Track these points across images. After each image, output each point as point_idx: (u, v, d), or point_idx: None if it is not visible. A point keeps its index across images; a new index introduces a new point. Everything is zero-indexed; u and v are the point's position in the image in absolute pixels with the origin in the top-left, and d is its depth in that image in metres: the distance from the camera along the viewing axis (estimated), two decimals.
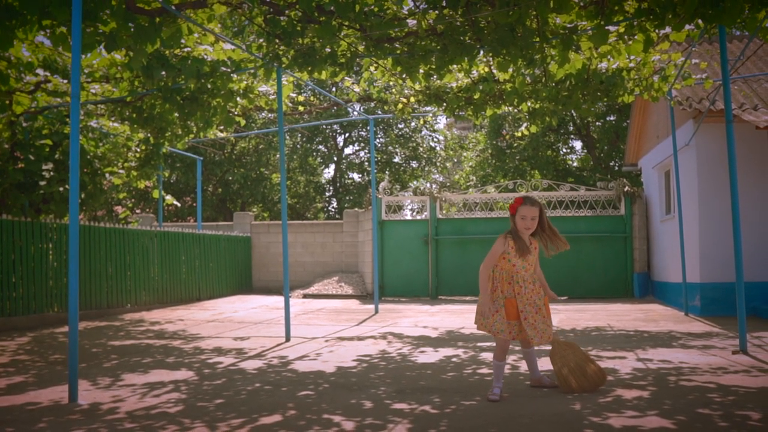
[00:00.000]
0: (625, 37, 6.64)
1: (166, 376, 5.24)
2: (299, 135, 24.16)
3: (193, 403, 4.25)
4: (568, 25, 6.16)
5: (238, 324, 9.29)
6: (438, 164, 26.11)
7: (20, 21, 5.47)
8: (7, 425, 3.74)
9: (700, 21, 5.48)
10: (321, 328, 8.56)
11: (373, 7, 5.71)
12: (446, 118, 24.95)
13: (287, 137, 23.90)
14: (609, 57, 7.31)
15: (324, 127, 23.53)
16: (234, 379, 5.12)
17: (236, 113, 9.66)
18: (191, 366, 5.75)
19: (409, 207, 16.97)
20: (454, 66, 7.08)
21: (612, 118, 20.14)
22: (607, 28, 5.82)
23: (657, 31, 6.09)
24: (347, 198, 24.79)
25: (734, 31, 13.72)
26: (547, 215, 4.64)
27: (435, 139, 26.40)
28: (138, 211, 21.26)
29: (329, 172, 26.29)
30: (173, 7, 5.72)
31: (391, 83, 8.58)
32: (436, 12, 5.81)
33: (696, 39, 7.02)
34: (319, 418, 3.84)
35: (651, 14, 5.54)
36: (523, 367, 5.38)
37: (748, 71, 10.50)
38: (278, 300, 13.32)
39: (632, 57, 7.42)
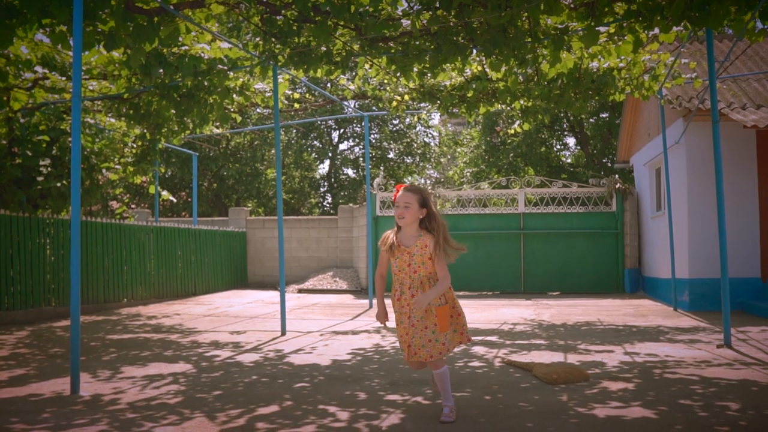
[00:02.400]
0: (615, 37, 6.78)
1: (164, 369, 5.36)
2: (294, 131, 24.24)
3: (192, 395, 4.38)
4: (559, 26, 6.28)
5: (234, 318, 9.41)
6: (432, 160, 26.25)
7: (20, 20, 5.56)
8: (11, 415, 3.86)
9: (687, 23, 5.61)
10: (316, 323, 8.69)
11: (368, 7, 5.82)
12: (440, 115, 25.13)
13: (282, 133, 23.98)
14: (600, 57, 7.46)
15: (319, 123, 23.62)
16: (231, 371, 5.24)
17: (232, 110, 9.76)
18: (189, 359, 5.86)
19: None
20: (448, 65, 7.20)
21: (605, 115, 20.31)
22: (597, 29, 5.95)
23: (646, 32, 6.22)
24: (342, 193, 24.91)
25: (726, 29, 13.87)
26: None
27: (430, 135, 26.54)
28: (133, 206, 21.32)
29: (324, 167, 26.40)
30: (171, 7, 5.81)
31: (385, 81, 8.69)
32: (430, 13, 5.92)
33: (684, 40, 7.16)
34: (314, 408, 3.97)
35: (640, 16, 5.68)
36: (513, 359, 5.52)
37: (737, 70, 10.65)
38: (273, 295, 13.45)
39: (622, 57, 7.55)
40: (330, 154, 25.59)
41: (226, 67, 7.60)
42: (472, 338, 6.96)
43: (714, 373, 4.89)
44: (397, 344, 6.64)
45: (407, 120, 24.65)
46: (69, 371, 5.02)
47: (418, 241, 3.60)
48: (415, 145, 25.23)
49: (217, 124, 10.86)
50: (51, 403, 4.16)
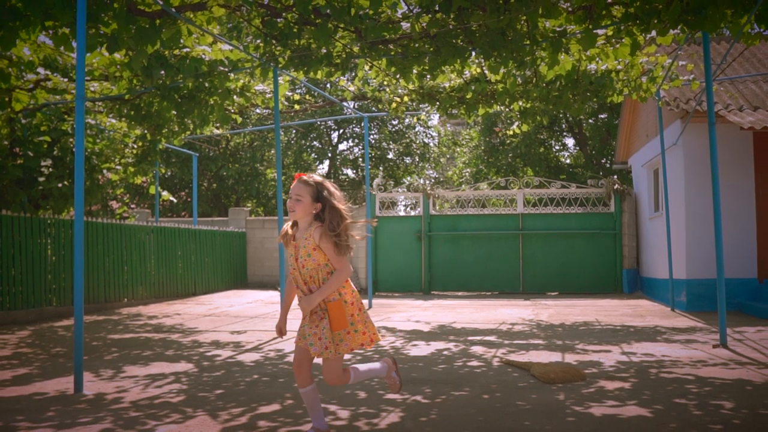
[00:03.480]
0: (613, 40, 6.84)
1: (166, 368, 5.41)
2: (293, 131, 24.30)
3: (194, 393, 4.43)
4: (558, 29, 6.34)
5: (234, 318, 9.46)
6: (431, 160, 26.32)
7: (24, 22, 5.62)
8: (17, 414, 3.91)
9: (684, 26, 5.67)
10: None
11: (368, 10, 5.88)
12: (439, 116, 25.23)
13: (282, 133, 24.05)
14: (598, 59, 7.52)
15: (318, 123, 23.69)
16: (232, 370, 5.30)
17: (233, 111, 9.81)
18: (190, 358, 5.92)
19: (403, 203, 17.20)
20: (447, 67, 7.26)
21: (604, 115, 20.38)
22: (595, 31, 6.02)
23: (643, 34, 6.29)
24: (341, 194, 24.95)
25: (724, 31, 13.93)
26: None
27: (429, 135, 26.61)
28: (133, 206, 21.37)
29: (323, 167, 26.45)
30: (173, 10, 5.87)
31: (385, 83, 8.75)
32: (429, 16, 5.98)
33: (682, 42, 7.22)
34: None
35: (637, 19, 5.74)
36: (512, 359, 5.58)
37: (734, 72, 10.72)
38: (273, 295, 13.50)
39: (620, 59, 7.61)
40: (329, 155, 25.65)
41: (226, 69, 7.66)
42: (471, 339, 7.02)
43: (709, 373, 4.95)
44: (397, 344, 6.69)
45: (406, 120, 24.72)
46: (72, 370, 5.08)
47: (305, 232, 3.29)
48: (415, 145, 25.30)
49: (218, 124, 10.90)
50: (55, 402, 4.22)
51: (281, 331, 3.33)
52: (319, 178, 3.34)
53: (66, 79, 8.42)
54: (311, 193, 3.28)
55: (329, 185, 3.34)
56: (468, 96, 8.66)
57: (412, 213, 15.08)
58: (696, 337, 6.98)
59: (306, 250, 3.24)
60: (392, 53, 6.75)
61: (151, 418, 3.77)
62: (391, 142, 25.09)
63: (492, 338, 7.04)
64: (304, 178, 3.32)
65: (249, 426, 3.61)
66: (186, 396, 4.36)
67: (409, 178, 25.60)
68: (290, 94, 10.25)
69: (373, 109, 15.12)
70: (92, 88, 8.71)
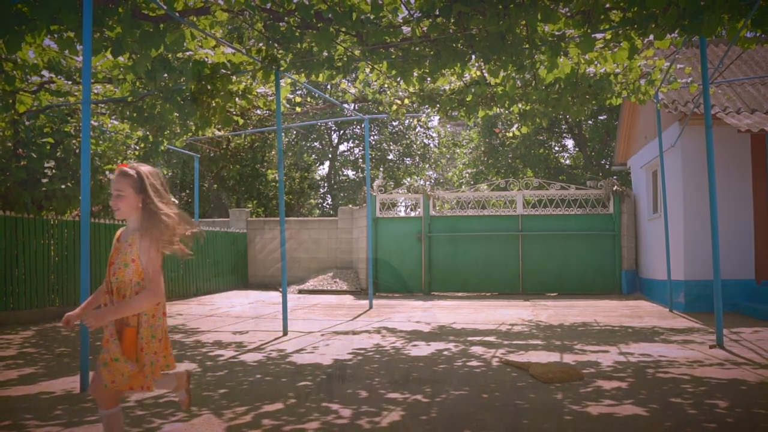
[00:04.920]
0: (611, 44, 6.91)
1: None
2: (294, 132, 24.38)
3: (198, 393, 4.50)
4: (557, 33, 6.42)
5: (235, 318, 9.53)
6: (431, 161, 26.42)
7: (29, 26, 5.69)
8: (25, 412, 3.99)
9: (681, 30, 5.74)
10: (317, 323, 8.82)
11: (369, 15, 5.95)
12: (439, 118, 25.29)
13: (282, 134, 24.13)
14: (596, 62, 7.59)
15: (319, 124, 23.78)
16: (235, 370, 5.37)
17: (234, 113, 9.89)
18: (193, 358, 5.99)
19: (403, 204, 17.27)
20: (447, 70, 7.33)
21: (603, 117, 20.46)
22: (593, 36, 6.09)
23: (641, 38, 6.36)
24: (342, 194, 25.06)
25: (722, 33, 14.00)
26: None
27: (429, 136, 26.70)
28: None
29: (324, 168, 26.53)
30: (177, 14, 5.94)
31: (386, 85, 8.83)
32: (430, 20, 6.05)
33: (679, 46, 7.30)
34: (318, 406, 4.10)
35: (635, 24, 5.82)
36: (511, 359, 5.65)
37: (732, 75, 10.79)
38: (274, 295, 13.57)
39: (618, 62, 7.68)
40: (330, 156, 25.73)
41: (229, 72, 7.73)
42: (471, 339, 7.08)
43: (705, 373, 5.02)
44: (398, 344, 6.77)
45: (407, 122, 24.82)
46: (77, 370, 5.16)
47: (131, 236, 2.80)
48: (415, 146, 25.39)
49: (219, 126, 10.97)
50: (62, 401, 4.29)
51: (68, 320, 2.84)
52: (144, 168, 2.82)
53: (69, 82, 8.50)
54: (133, 184, 2.77)
55: (154, 178, 2.82)
56: (468, 98, 8.73)
57: (413, 214, 15.15)
58: (693, 337, 7.05)
59: (124, 258, 2.77)
60: (393, 56, 6.82)
61: (157, 417, 3.85)
62: (391, 143, 25.19)
63: (491, 339, 7.11)
64: (124, 169, 2.80)
65: (253, 424, 3.69)
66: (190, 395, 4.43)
67: (409, 179, 25.69)
68: (291, 96, 10.32)
69: (374, 110, 15.20)
70: (95, 91, 8.79)
